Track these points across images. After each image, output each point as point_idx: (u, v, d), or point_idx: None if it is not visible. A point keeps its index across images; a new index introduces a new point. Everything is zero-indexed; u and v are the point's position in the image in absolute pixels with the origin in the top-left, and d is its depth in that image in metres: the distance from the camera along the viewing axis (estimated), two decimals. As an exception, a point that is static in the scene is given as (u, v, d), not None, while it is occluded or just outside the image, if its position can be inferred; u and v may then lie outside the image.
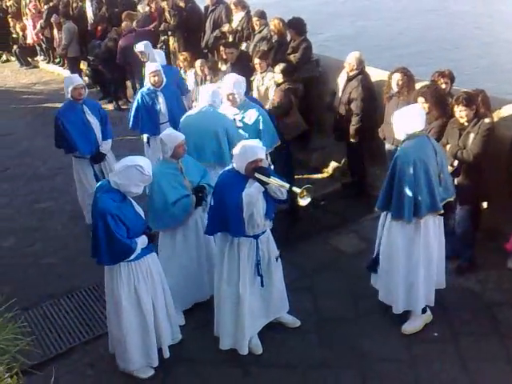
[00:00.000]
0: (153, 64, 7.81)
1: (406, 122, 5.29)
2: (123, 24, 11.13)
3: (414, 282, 5.54)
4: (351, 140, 7.63)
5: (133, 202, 5.10)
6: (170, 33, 10.98)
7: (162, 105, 7.65)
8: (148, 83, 7.67)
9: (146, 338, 5.28)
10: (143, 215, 5.17)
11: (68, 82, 7.19)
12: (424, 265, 5.51)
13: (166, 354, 5.41)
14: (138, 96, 7.73)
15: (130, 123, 7.87)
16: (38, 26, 13.81)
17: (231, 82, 6.64)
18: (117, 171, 4.91)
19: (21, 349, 3.83)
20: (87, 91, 7.31)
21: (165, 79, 7.73)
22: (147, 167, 4.86)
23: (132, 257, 5.00)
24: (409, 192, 5.27)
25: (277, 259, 5.46)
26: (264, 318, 5.65)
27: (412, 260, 5.50)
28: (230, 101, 6.66)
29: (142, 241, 5.06)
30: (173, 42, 10.92)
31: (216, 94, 6.61)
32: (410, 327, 5.67)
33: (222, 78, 7.51)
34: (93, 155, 7.24)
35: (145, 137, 7.87)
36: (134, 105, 7.79)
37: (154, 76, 7.58)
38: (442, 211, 5.43)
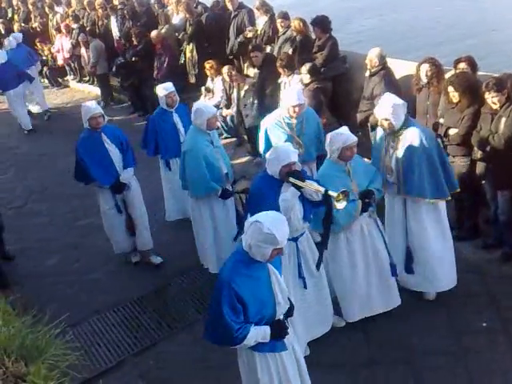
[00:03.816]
0: (167, 84, 7.50)
1: (400, 107, 5.49)
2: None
3: (451, 258, 5.81)
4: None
5: (275, 273, 4.00)
6: (185, 42, 11.08)
7: (179, 124, 7.41)
8: (163, 105, 7.40)
9: None
10: (281, 293, 4.05)
11: (85, 112, 6.71)
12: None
13: None
14: (151, 122, 7.48)
15: (149, 151, 7.58)
16: (69, 45, 14.02)
17: (295, 92, 6.46)
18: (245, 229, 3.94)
19: (71, 364, 3.84)
20: (106, 119, 6.88)
21: (178, 98, 7.50)
22: (270, 224, 3.79)
23: (239, 346, 4.02)
24: (440, 168, 5.53)
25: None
26: (324, 325, 5.59)
27: (446, 237, 5.74)
28: (295, 112, 6.38)
29: (259, 333, 3.92)
30: (189, 51, 10.98)
31: (200, 113, 6.30)
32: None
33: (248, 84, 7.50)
34: (112, 185, 6.84)
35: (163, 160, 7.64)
36: (148, 131, 7.53)
37: (169, 97, 7.34)
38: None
